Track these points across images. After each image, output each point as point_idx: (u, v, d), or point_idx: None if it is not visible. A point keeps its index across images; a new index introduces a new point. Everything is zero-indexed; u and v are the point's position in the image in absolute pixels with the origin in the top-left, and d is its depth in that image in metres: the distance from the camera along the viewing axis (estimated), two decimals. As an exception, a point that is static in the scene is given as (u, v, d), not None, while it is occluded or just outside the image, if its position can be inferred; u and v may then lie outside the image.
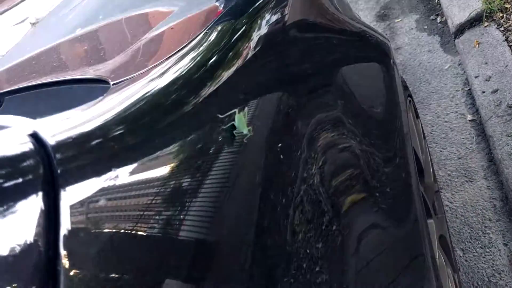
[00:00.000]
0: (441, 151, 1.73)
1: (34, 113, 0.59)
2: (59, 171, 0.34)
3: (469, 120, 1.77)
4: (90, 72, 0.68)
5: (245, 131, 0.50)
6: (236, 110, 0.52)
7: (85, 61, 0.86)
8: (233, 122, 0.50)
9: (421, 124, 1.54)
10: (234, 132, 0.50)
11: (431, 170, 1.40)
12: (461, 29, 2.11)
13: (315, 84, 0.71)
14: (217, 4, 0.90)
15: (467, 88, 1.90)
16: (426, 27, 2.41)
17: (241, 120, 0.51)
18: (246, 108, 0.54)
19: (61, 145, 0.37)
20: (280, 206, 0.49)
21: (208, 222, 0.42)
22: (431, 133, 1.81)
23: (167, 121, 0.46)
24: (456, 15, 2.17)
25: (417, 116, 1.49)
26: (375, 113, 0.80)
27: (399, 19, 2.58)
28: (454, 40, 2.14)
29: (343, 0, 1.42)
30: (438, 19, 2.40)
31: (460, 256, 1.39)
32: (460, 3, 2.22)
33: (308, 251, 0.50)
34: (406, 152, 0.82)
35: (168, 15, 0.98)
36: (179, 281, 0.36)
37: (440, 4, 2.44)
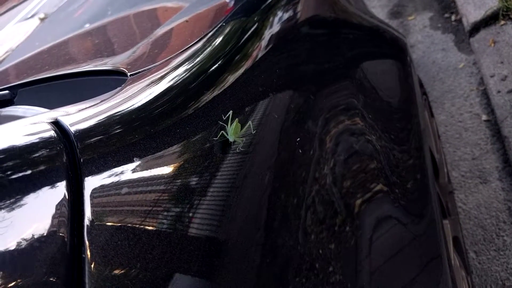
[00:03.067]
0: (454, 151, 1.70)
1: (50, 104, 0.58)
2: (82, 159, 0.34)
3: (484, 120, 1.73)
4: (104, 64, 0.67)
5: (231, 139, 0.47)
6: (230, 118, 0.50)
7: (99, 53, 0.85)
8: (222, 131, 0.48)
9: (436, 123, 1.51)
10: (223, 138, 0.48)
11: (445, 170, 1.38)
12: (477, 28, 2.07)
13: (333, 79, 0.70)
14: (227, 0, 0.89)
15: (482, 88, 1.86)
16: (440, 25, 2.37)
17: (233, 129, 0.48)
18: (249, 122, 0.51)
19: (83, 134, 0.37)
20: (300, 202, 0.48)
21: (222, 216, 0.41)
22: (445, 133, 1.78)
23: (184, 112, 0.46)
24: (472, 13, 2.13)
25: (432, 115, 1.47)
26: (393, 109, 0.78)
27: (412, 17, 2.55)
28: (469, 39, 2.10)
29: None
30: (453, 17, 2.37)
31: (473, 259, 1.36)
32: (475, 1, 2.18)
33: (321, 250, 0.48)
34: (423, 150, 0.80)
35: (180, 10, 0.98)
36: (195, 268, 0.36)
37: (454, 2, 2.40)
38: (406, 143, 0.74)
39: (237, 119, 0.49)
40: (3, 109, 0.66)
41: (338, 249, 0.50)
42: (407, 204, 0.64)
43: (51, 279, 0.29)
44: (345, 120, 0.61)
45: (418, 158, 0.76)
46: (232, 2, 0.86)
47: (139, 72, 0.55)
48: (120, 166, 0.36)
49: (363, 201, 0.56)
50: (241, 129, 0.49)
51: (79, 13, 1.74)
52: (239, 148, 0.47)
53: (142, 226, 0.35)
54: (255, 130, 0.51)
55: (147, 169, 0.38)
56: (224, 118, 0.49)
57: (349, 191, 0.55)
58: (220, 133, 0.47)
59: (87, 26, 1.31)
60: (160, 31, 0.82)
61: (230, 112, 0.49)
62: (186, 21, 0.83)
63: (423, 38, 2.34)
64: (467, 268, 1.15)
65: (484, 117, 1.74)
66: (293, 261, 0.45)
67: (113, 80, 0.61)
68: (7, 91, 0.68)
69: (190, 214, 0.38)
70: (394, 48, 1.06)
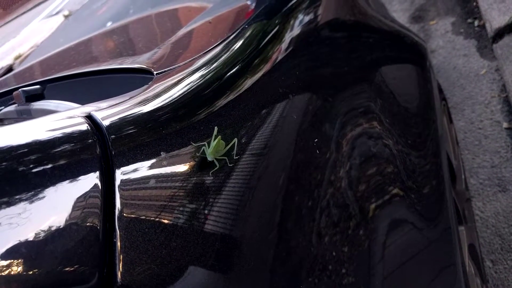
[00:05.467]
0: (473, 158, 1.67)
1: (78, 100, 0.61)
2: (113, 151, 0.36)
3: (505, 128, 1.70)
4: (131, 63, 0.70)
5: (209, 158, 0.44)
6: (214, 134, 0.46)
7: (125, 52, 0.88)
8: (203, 148, 0.44)
9: (454, 130, 1.50)
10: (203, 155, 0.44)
11: (463, 177, 1.36)
12: (500, 34, 2.03)
13: (352, 83, 0.71)
14: (248, 2, 0.91)
15: (504, 95, 1.83)
16: (462, 30, 2.34)
17: (214, 147, 0.44)
18: (234, 140, 0.47)
19: (114, 128, 0.39)
20: (315, 203, 0.49)
21: (241, 211, 0.42)
22: (464, 140, 1.76)
23: (208, 110, 0.48)
24: (496, 19, 2.09)
25: (451, 121, 1.45)
26: (411, 114, 0.78)
27: (434, 21, 2.52)
28: (492, 45, 2.06)
29: (380, 2, 1.40)
30: (476, 23, 2.33)
31: (490, 268, 1.35)
32: (500, 6, 2.14)
33: (334, 252, 0.49)
34: (440, 156, 0.80)
35: (202, 11, 1.00)
36: (213, 259, 0.38)
37: (478, 7, 2.36)
38: (423, 148, 0.74)
39: (219, 136, 0.45)
40: (35, 103, 0.69)
41: (351, 252, 0.51)
42: (422, 209, 0.64)
43: (86, 261, 0.31)
44: (363, 124, 0.62)
45: (435, 164, 0.76)
46: (254, 5, 0.88)
47: (165, 71, 0.58)
48: (148, 159, 0.38)
49: (378, 205, 0.57)
50: (225, 147, 0.46)
51: (102, 11, 1.78)
52: (213, 172, 0.43)
53: (166, 216, 0.37)
54: (244, 150, 0.47)
55: (172, 163, 0.40)
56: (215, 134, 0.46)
57: (364, 194, 0.56)
58: (202, 150, 0.44)
59: (111, 24, 1.35)
60: (183, 31, 0.84)
61: (216, 128, 0.46)
62: (209, 22, 0.85)
63: (445, 43, 2.31)
64: (483, 277, 1.14)
65: (505, 125, 1.71)
66: (309, 262, 0.46)
67: (139, 78, 0.63)
68: (38, 86, 0.71)
69: (212, 208, 0.40)
70: (413, 53, 1.06)
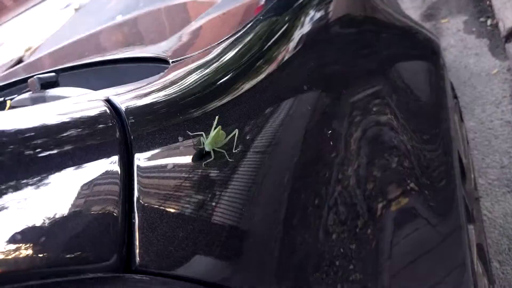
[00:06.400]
0: (483, 158, 1.66)
1: (92, 88, 0.62)
2: (132, 135, 0.36)
3: (516, 129, 1.69)
4: (146, 52, 0.70)
5: (207, 148, 0.42)
6: (215, 124, 0.44)
7: (137, 42, 0.89)
8: (201, 138, 0.42)
9: (465, 129, 1.49)
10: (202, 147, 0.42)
11: (472, 176, 1.35)
12: (513, 33, 2.01)
13: (366, 78, 0.70)
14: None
15: (516, 95, 1.81)
16: (474, 29, 2.31)
17: (213, 137, 0.42)
18: (235, 131, 0.45)
19: (132, 112, 0.39)
20: (329, 198, 0.49)
21: (250, 202, 0.43)
22: (473, 140, 1.74)
23: (223, 97, 0.48)
24: (509, 18, 2.07)
25: (461, 120, 1.44)
26: (424, 111, 0.78)
27: (446, 20, 2.49)
28: (505, 44, 2.04)
29: (392, -3, 1.39)
30: (488, 22, 2.30)
31: (497, 268, 1.34)
32: (514, 5, 2.11)
33: (342, 249, 0.49)
34: (453, 154, 0.79)
35: (214, 3, 1.00)
36: (226, 242, 0.39)
37: (491, 6, 2.33)
38: (436, 145, 0.74)
39: (219, 126, 0.43)
40: (49, 90, 0.69)
41: (360, 248, 0.51)
42: (435, 205, 0.64)
43: (107, 239, 0.32)
44: (379, 118, 0.62)
45: (447, 161, 0.76)
46: (260, 2, 0.87)
47: (180, 60, 0.58)
48: (165, 144, 0.39)
49: (392, 199, 0.56)
50: (225, 138, 0.44)
51: (112, 5, 1.79)
52: (206, 163, 0.41)
53: (183, 200, 0.37)
54: (248, 142, 0.45)
55: (189, 148, 0.41)
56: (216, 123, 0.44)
57: (378, 188, 0.56)
58: (199, 139, 0.42)
59: (122, 17, 1.35)
60: (196, 23, 0.84)
61: (217, 118, 0.44)
62: (223, 14, 0.85)
63: (456, 42, 2.29)
64: (490, 277, 1.13)
65: (516, 125, 1.69)
66: (317, 257, 0.46)
67: (152, 67, 0.64)
68: (53, 74, 0.72)
69: (229, 194, 0.40)
70: (427, 50, 1.05)
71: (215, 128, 0.43)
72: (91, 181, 0.33)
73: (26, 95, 0.80)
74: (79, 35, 1.28)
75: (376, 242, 0.54)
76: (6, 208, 0.29)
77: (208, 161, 0.41)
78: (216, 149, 0.42)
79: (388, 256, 0.55)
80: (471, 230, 1.03)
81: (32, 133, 0.34)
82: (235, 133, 0.45)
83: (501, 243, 1.39)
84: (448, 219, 0.69)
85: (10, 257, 0.28)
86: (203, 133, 0.42)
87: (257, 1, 0.89)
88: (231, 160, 0.43)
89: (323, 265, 0.46)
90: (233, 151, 0.44)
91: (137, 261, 0.33)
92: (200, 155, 0.42)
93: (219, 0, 1.03)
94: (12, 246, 0.28)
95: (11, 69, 1.46)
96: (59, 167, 0.33)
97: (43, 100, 0.69)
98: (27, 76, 0.97)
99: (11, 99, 0.85)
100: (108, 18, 1.46)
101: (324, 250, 0.47)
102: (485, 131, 1.75)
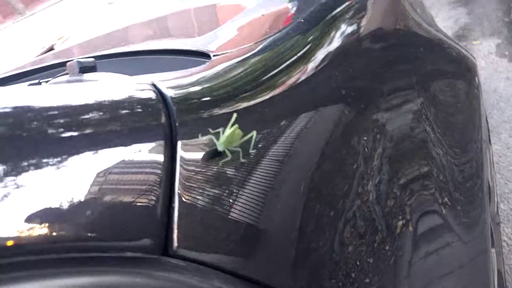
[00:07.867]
0: (506, 183, 1.62)
1: (133, 75, 0.62)
2: (177, 123, 0.37)
3: (543, 156, 1.64)
4: (187, 45, 0.71)
5: (220, 148, 0.38)
6: (231, 122, 0.41)
7: (178, 36, 0.90)
8: (213, 137, 0.39)
9: (492, 151, 1.46)
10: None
11: (496, 200, 1.32)
12: (547, 60, 1.97)
13: (404, 91, 0.70)
14: (289, 6, 0.91)
15: (545, 123, 1.77)
16: (507, 53, 2.27)
17: (228, 136, 0.39)
18: (253, 132, 0.41)
19: (177, 98, 0.39)
20: (361, 206, 0.49)
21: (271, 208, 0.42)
22: (498, 164, 1.71)
23: (261, 95, 0.48)
24: (544, 44, 2.03)
25: (489, 141, 1.42)
26: (459, 128, 0.77)
27: (478, 41, 2.46)
28: (537, 71, 2.00)
29: (426, 11, 1.38)
30: (522, 46, 2.26)
31: (513, 297, 1.30)
32: (550, 32, 2.07)
33: (369, 260, 0.49)
34: (484, 173, 0.78)
35: (253, 4, 1.00)
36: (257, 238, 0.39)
37: (526, 31, 2.30)
38: (469, 163, 0.73)
39: (236, 125, 0.39)
40: (87, 74, 0.71)
41: (381, 260, 0.50)
42: (466, 223, 0.63)
43: (147, 221, 0.32)
44: (417, 130, 0.61)
45: (478, 180, 0.74)
46: (294, 9, 0.88)
47: (221, 54, 0.59)
48: (208, 134, 0.39)
49: (424, 212, 0.56)
50: (242, 138, 0.40)
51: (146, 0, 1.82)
52: (224, 162, 0.38)
53: (222, 190, 0.37)
54: (260, 145, 0.43)
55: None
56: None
57: (412, 200, 0.55)
58: (210, 138, 0.39)
59: (155, 12, 1.37)
60: (234, 21, 0.85)
61: (234, 115, 0.40)
62: (262, 15, 0.85)
63: (487, 64, 2.26)
64: (506, 305, 1.10)
65: (543, 153, 1.65)
66: (338, 265, 0.46)
67: (191, 60, 0.64)
68: (92, 59, 0.73)
69: (262, 193, 0.40)
70: (462, 67, 1.03)
71: (231, 126, 0.39)
72: (135, 162, 0.33)
73: (63, 78, 0.82)
74: (112, 28, 1.31)
75: (404, 256, 0.53)
76: (56, 184, 0.29)
77: (225, 160, 0.39)
78: (230, 148, 0.39)
79: (413, 272, 0.54)
80: (493, 254, 1.01)
81: (80, 109, 0.35)
82: (253, 135, 0.41)
83: (520, 272, 1.35)
84: (477, 239, 0.67)
85: (61, 230, 0.29)
86: (220, 129, 0.39)
87: (288, 10, 0.90)
88: (243, 160, 0.40)
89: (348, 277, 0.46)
90: (250, 151, 0.41)
91: (174, 246, 0.33)
92: (213, 155, 0.39)
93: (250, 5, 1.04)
94: (62, 219, 0.29)
95: (42, 56, 1.49)
96: (104, 145, 0.33)
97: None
98: (61, 61, 0.99)
99: (46, 82, 0.87)
100: (142, 13, 1.48)
101: (346, 260, 0.46)
102: (510, 156, 1.72)
